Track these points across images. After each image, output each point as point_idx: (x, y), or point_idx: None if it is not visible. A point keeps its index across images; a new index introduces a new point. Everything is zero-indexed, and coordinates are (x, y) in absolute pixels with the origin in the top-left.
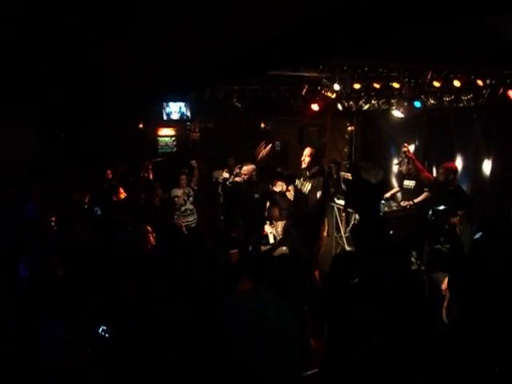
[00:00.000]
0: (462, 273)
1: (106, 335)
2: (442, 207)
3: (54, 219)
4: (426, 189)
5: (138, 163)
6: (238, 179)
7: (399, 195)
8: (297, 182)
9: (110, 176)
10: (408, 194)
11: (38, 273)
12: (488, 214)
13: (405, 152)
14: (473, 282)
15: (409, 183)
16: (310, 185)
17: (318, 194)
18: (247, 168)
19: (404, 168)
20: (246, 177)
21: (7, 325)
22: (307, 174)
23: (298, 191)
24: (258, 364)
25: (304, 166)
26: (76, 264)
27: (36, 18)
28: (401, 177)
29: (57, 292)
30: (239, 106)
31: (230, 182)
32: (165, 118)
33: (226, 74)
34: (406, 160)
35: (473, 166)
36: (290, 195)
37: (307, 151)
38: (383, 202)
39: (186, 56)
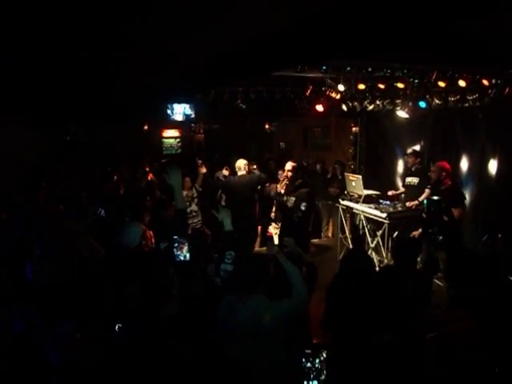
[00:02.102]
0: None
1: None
2: (435, 197)
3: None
4: (428, 186)
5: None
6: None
7: (403, 195)
8: (284, 197)
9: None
10: (412, 190)
11: (45, 274)
12: (494, 215)
13: None
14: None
15: (412, 179)
16: (295, 198)
17: (302, 206)
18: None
19: (411, 160)
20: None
21: (13, 325)
22: (290, 188)
23: (283, 205)
24: (252, 366)
25: (287, 181)
26: (83, 264)
27: (37, 19)
28: (404, 174)
29: (66, 291)
30: (243, 107)
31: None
32: (169, 119)
33: (223, 74)
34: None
35: (478, 166)
36: None
37: (288, 166)
38: (388, 202)
39: (187, 57)
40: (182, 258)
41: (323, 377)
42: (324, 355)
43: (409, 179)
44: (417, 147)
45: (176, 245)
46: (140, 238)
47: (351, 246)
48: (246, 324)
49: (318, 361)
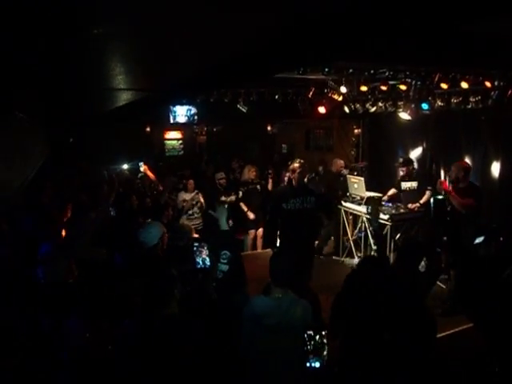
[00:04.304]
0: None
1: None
2: (440, 197)
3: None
4: (429, 187)
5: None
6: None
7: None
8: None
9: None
10: (412, 194)
11: (55, 274)
12: (496, 217)
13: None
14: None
15: (411, 184)
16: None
17: None
18: None
19: (405, 169)
20: None
21: (24, 324)
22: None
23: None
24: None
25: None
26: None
27: (35, 20)
28: (398, 180)
29: (75, 292)
30: (244, 110)
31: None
32: (171, 121)
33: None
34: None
35: (481, 168)
36: None
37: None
38: (389, 204)
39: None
40: (201, 265)
41: (325, 352)
42: (324, 333)
43: (407, 184)
44: (419, 149)
45: (195, 251)
46: (159, 239)
47: (353, 249)
48: (281, 318)
49: (318, 338)
